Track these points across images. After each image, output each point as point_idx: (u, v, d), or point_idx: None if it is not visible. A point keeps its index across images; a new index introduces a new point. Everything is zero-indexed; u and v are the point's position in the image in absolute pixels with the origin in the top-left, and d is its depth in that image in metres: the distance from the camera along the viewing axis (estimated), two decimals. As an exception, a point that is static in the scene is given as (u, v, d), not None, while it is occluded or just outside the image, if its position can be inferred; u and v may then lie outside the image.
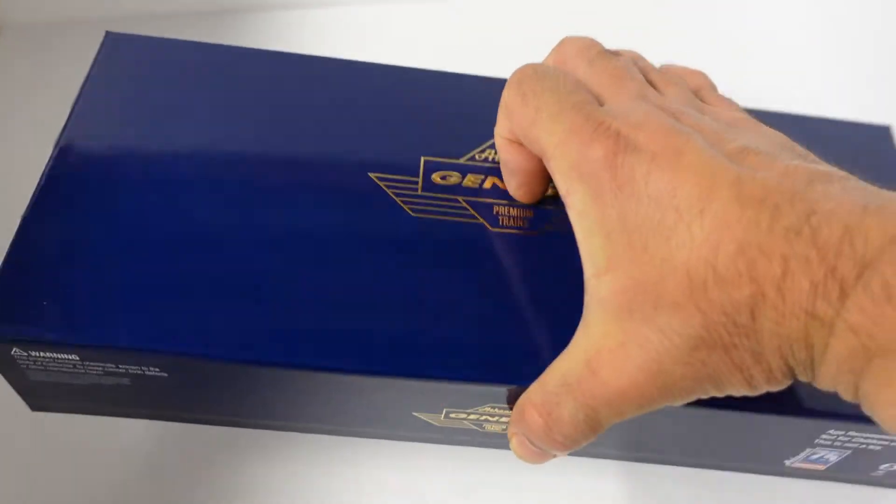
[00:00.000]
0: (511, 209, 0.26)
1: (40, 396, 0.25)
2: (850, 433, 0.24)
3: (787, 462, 0.27)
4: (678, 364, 0.19)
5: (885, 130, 0.31)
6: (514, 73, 0.23)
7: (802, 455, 0.26)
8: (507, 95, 0.23)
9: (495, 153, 0.27)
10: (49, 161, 0.25)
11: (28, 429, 0.28)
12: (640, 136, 0.19)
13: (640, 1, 0.46)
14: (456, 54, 0.35)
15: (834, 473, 0.27)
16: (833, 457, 0.26)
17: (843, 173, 0.19)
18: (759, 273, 0.17)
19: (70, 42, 0.42)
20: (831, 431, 0.24)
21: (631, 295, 0.19)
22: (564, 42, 0.25)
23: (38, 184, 0.24)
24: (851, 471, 0.27)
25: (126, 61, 0.28)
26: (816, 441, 0.25)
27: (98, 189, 0.24)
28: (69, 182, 0.24)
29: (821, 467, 0.27)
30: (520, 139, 0.23)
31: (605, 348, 0.20)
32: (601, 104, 0.22)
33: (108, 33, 0.28)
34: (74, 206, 0.24)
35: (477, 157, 0.27)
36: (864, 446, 0.25)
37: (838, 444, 0.25)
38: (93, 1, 0.43)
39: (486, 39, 0.29)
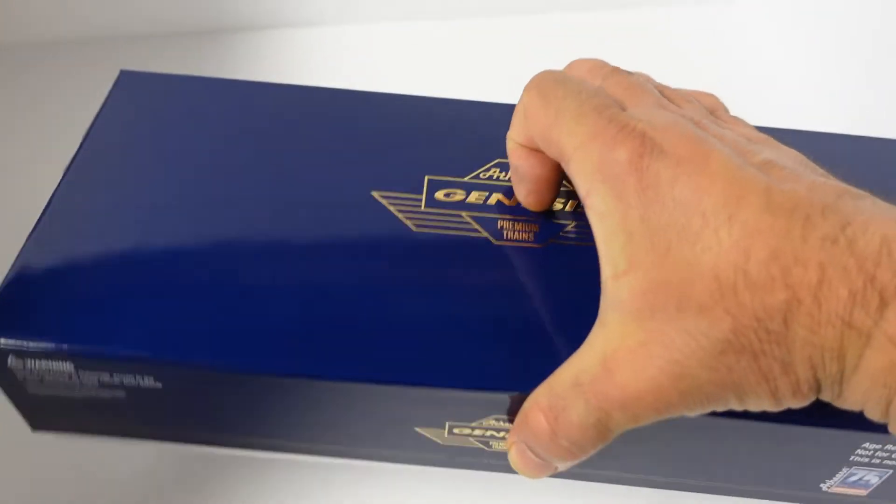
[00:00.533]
0: (516, 223, 0.26)
1: (39, 413, 0.24)
2: (888, 447, 0.22)
3: (825, 486, 0.25)
4: (703, 368, 0.18)
5: None
6: (533, 79, 0.23)
7: (840, 476, 0.24)
8: (525, 98, 0.23)
9: (500, 171, 0.27)
10: (60, 181, 0.25)
11: (29, 451, 0.28)
12: (666, 141, 0.19)
13: (633, 30, 0.47)
14: (457, 80, 0.36)
15: (878, 500, 0.25)
16: (874, 478, 0.24)
17: (868, 192, 0.19)
18: (794, 280, 0.17)
19: (64, 62, 0.44)
20: (867, 445, 0.22)
21: (652, 296, 0.18)
22: (574, 63, 0.25)
23: (48, 202, 0.25)
24: (897, 496, 0.25)
25: (137, 97, 0.29)
26: (852, 458, 0.23)
27: (103, 205, 0.25)
28: (77, 203, 0.25)
29: (862, 492, 0.25)
30: (536, 143, 0.23)
31: (624, 347, 0.19)
32: (623, 110, 0.21)
33: (122, 72, 0.30)
34: (80, 224, 0.24)
35: (482, 175, 0.27)
36: (906, 464, 0.23)
37: (877, 461, 0.23)
38: (85, 22, 0.45)
39: (489, 65, 0.30)
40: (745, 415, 0.20)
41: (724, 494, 0.26)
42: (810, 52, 0.46)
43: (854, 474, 0.24)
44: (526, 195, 0.25)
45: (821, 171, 0.21)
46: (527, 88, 0.23)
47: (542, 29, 0.47)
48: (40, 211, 0.25)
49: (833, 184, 0.19)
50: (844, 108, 0.42)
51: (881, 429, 0.21)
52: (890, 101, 0.41)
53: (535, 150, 0.24)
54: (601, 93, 0.22)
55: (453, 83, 0.32)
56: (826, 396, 0.18)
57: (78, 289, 0.22)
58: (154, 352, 0.21)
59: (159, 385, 0.22)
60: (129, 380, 0.22)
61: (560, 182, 0.25)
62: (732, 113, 0.25)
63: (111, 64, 0.31)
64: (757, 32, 0.49)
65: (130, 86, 0.29)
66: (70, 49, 0.45)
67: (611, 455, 0.23)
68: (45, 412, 0.24)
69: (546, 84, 0.22)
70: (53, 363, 0.22)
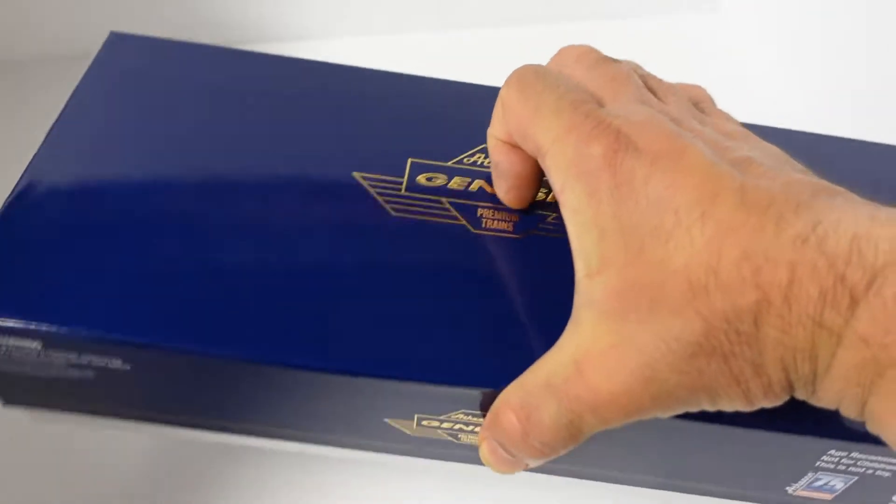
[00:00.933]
0: (496, 212, 0.25)
1: (10, 389, 0.24)
2: (854, 454, 0.22)
3: (790, 489, 0.25)
4: (674, 371, 0.18)
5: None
6: (513, 73, 0.23)
7: (805, 480, 0.24)
8: (504, 94, 0.22)
9: (485, 157, 0.27)
10: (36, 152, 0.25)
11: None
12: (641, 137, 0.19)
13: (618, 40, 0.47)
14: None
15: (843, 504, 0.25)
16: (839, 484, 0.24)
17: (844, 189, 0.19)
18: (764, 280, 0.17)
19: (51, 77, 0.43)
20: (832, 452, 0.22)
21: (625, 296, 0.18)
22: (562, 50, 0.25)
23: (22, 174, 0.24)
24: (862, 502, 0.25)
25: (124, 60, 0.28)
26: (818, 464, 0.23)
27: (78, 181, 0.24)
28: (51, 173, 0.24)
29: (827, 496, 0.25)
30: (515, 139, 0.23)
31: (596, 349, 0.19)
32: (601, 106, 0.21)
33: (112, 33, 0.29)
34: (52, 197, 0.24)
35: (465, 160, 0.27)
36: (871, 472, 0.23)
37: (842, 467, 0.23)
38: (73, 38, 0.44)
39: (479, 77, 0.30)
40: (715, 418, 0.20)
41: (692, 493, 0.26)
42: (794, 60, 0.46)
43: (819, 479, 0.24)
44: (506, 192, 0.25)
45: (799, 167, 0.21)
46: (506, 82, 0.23)
47: (531, 40, 0.46)
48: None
49: (809, 180, 0.19)
50: (828, 114, 0.42)
51: (848, 436, 0.22)
52: (874, 105, 0.41)
53: (516, 147, 0.23)
54: (580, 88, 0.21)
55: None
56: (800, 395, 0.18)
57: (48, 266, 0.22)
58: (122, 333, 0.21)
59: (127, 367, 0.22)
60: (97, 361, 0.22)
61: (540, 179, 0.25)
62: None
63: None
64: (741, 40, 0.48)
65: (118, 48, 0.29)
66: (60, 64, 0.44)
67: (580, 453, 0.23)
68: (15, 388, 0.24)
69: (525, 78, 0.22)
70: (21, 341, 0.22)
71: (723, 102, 0.25)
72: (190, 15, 0.46)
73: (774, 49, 0.47)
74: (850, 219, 0.17)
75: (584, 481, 0.26)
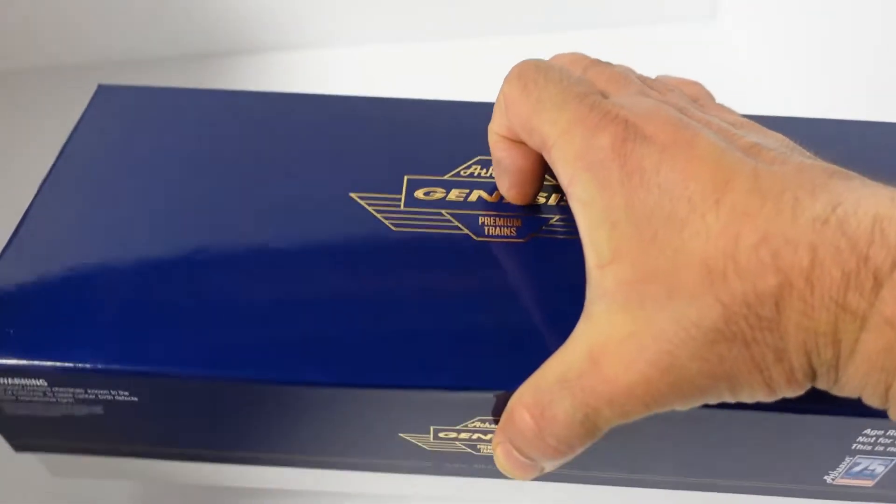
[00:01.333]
0: (498, 219, 0.25)
1: (19, 433, 0.24)
2: (891, 433, 0.21)
3: (829, 478, 0.24)
4: (694, 358, 0.17)
5: None
6: (514, 68, 0.23)
7: (843, 467, 0.23)
8: (506, 88, 0.22)
9: (481, 168, 0.27)
10: (35, 196, 0.25)
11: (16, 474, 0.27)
12: (649, 127, 0.19)
13: (617, 49, 0.47)
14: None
15: (887, 491, 0.24)
16: (879, 467, 0.23)
17: (857, 174, 0.18)
18: (785, 263, 0.16)
19: (52, 88, 0.44)
20: (868, 432, 0.21)
21: (640, 286, 0.18)
22: (555, 58, 0.25)
23: (21, 219, 0.24)
24: (905, 486, 0.24)
25: (115, 109, 0.29)
26: (854, 446, 0.22)
27: (77, 218, 0.24)
28: (50, 216, 0.25)
29: (868, 483, 0.24)
30: (518, 133, 0.22)
31: (612, 339, 0.18)
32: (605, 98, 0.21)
33: (100, 86, 0.30)
34: (51, 239, 0.24)
35: (462, 173, 0.27)
36: (911, 451, 0.22)
37: (880, 448, 0.22)
38: (70, 49, 0.45)
39: (476, 86, 0.30)
40: (742, 405, 0.19)
41: (727, 492, 0.25)
42: (792, 68, 0.46)
43: (858, 464, 0.23)
44: (508, 188, 0.25)
45: (808, 153, 0.20)
46: (507, 78, 0.23)
47: (530, 49, 0.47)
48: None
49: (822, 164, 0.18)
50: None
51: (882, 414, 0.21)
52: (875, 113, 0.41)
53: (518, 142, 0.23)
54: (583, 80, 0.21)
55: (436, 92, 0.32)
56: (822, 384, 0.18)
57: (50, 303, 0.22)
58: (126, 364, 0.21)
59: (135, 399, 0.22)
60: (104, 394, 0.22)
61: (543, 174, 0.24)
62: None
63: (91, 88, 0.31)
64: (739, 49, 0.49)
65: (107, 99, 0.29)
66: (48, 74, 0.45)
67: (600, 455, 0.22)
68: (25, 432, 0.24)
69: (527, 72, 0.22)
70: (26, 379, 0.21)
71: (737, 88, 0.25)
72: (192, 24, 0.46)
73: (772, 57, 0.47)
74: (871, 200, 0.17)
75: (609, 487, 0.25)
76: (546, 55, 0.25)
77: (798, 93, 0.45)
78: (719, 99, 0.25)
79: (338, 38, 0.49)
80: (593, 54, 0.25)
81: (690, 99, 0.23)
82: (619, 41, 0.49)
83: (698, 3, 0.50)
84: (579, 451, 0.19)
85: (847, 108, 0.41)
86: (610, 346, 0.18)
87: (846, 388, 0.17)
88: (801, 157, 0.19)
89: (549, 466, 0.20)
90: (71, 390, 0.22)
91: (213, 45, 0.47)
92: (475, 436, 0.23)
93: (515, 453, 0.20)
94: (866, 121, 0.29)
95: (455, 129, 0.28)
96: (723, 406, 0.19)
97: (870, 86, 0.42)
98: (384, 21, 0.48)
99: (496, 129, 0.24)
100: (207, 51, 0.47)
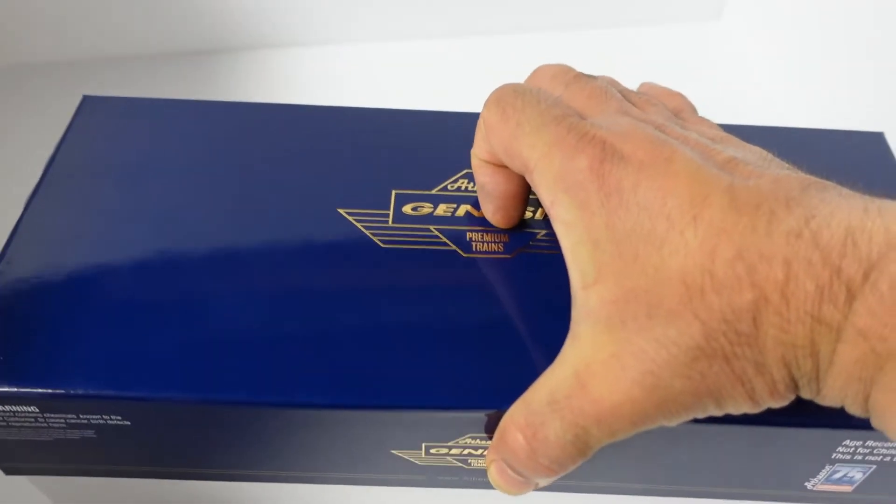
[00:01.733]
0: (485, 234, 0.25)
1: (11, 457, 0.24)
2: (869, 443, 0.22)
3: (809, 485, 0.24)
4: (677, 376, 0.18)
5: (878, 137, 0.30)
6: (493, 93, 0.23)
7: (823, 474, 0.24)
8: (485, 114, 0.23)
9: (468, 182, 0.27)
10: (21, 215, 0.25)
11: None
12: (627, 146, 0.19)
13: (620, 48, 0.47)
14: (435, 98, 0.35)
15: (864, 495, 0.25)
16: (858, 474, 0.24)
17: (833, 183, 0.19)
18: (760, 277, 0.17)
19: (29, 86, 0.43)
20: (847, 443, 0.22)
21: (623, 305, 0.18)
22: (538, 70, 0.25)
23: (8, 238, 0.24)
24: (883, 490, 0.24)
25: (101, 120, 0.28)
26: (834, 456, 0.23)
27: (65, 236, 0.24)
28: (35, 241, 0.24)
29: (847, 488, 0.24)
30: (499, 158, 0.23)
31: (597, 360, 0.18)
32: (583, 119, 0.21)
33: (85, 97, 0.29)
34: (38, 264, 0.24)
35: (449, 187, 0.27)
36: (889, 459, 0.23)
37: (859, 457, 0.23)
38: (58, 46, 0.44)
39: (472, 84, 0.30)
40: (724, 419, 0.20)
41: (711, 497, 0.26)
42: (797, 68, 0.46)
43: (838, 471, 0.23)
44: (493, 212, 0.25)
45: (785, 165, 0.21)
46: (486, 103, 0.23)
47: (533, 48, 0.47)
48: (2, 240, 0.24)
49: (798, 176, 0.19)
50: (832, 122, 0.42)
51: (861, 425, 0.21)
52: (878, 113, 0.41)
53: (500, 166, 0.23)
54: (560, 103, 0.22)
55: (430, 101, 0.32)
56: (805, 394, 0.18)
57: (39, 326, 0.22)
58: (117, 389, 0.21)
59: (128, 423, 0.22)
60: (96, 419, 0.22)
61: (527, 197, 0.25)
62: (706, 116, 0.25)
63: (90, 86, 0.30)
64: (744, 49, 0.48)
65: (93, 111, 0.29)
66: (37, 72, 0.44)
67: (592, 466, 0.23)
68: (16, 456, 0.24)
69: (505, 97, 0.22)
70: (17, 407, 0.21)
71: (725, 110, 0.25)
72: (192, 21, 0.46)
73: (777, 57, 0.47)
74: (844, 211, 0.17)
75: (596, 496, 0.26)
76: (550, 55, 0.25)
77: (803, 94, 0.44)
78: (723, 104, 0.25)
79: (337, 37, 0.48)
80: (598, 54, 0.24)
81: (672, 112, 0.24)
82: (624, 41, 0.48)
83: (704, 4, 0.50)
84: (571, 469, 0.20)
85: (851, 111, 0.41)
86: (594, 367, 0.18)
87: (828, 399, 0.18)
88: (778, 170, 0.19)
89: (543, 483, 0.21)
90: (63, 416, 0.22)
91: (208, 42, 0.47)
92: (466, 451, 0.23)
93: (509, 471, 0.21)
94: (846, 130, 0.30)
95: (443, 140, 0.28)
96: (707, 420, 0.20)
97: (875, 89, 0.42)
98: (383, 20, 0.48)
99: (478, 154, 0.24)
100: (202, 48, 0.47)
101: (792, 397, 0.18)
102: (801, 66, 0.46)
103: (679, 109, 0.25)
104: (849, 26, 0.44)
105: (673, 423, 0.19)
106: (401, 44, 0.48)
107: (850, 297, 0.16)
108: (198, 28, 0.46)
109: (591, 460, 0.20)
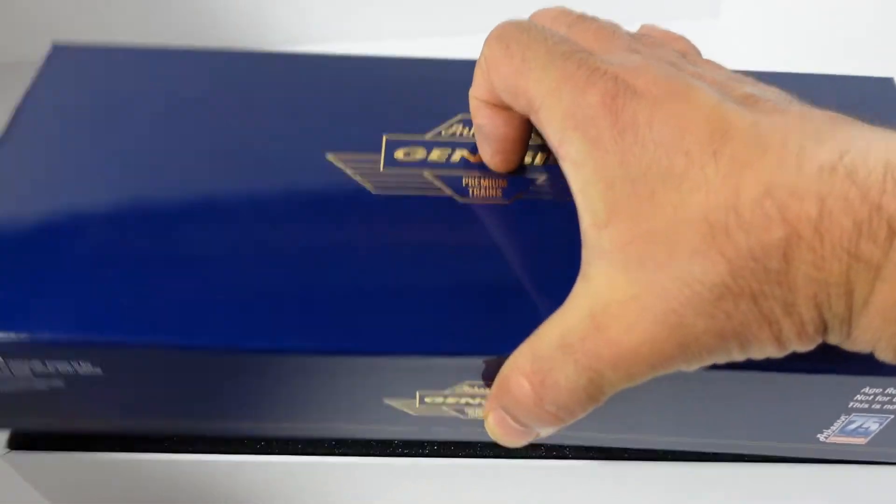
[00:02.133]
0: (482, 179, 0.24)
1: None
2: (889, 391, 0.21)
3: (822, 437, 0.23)
4: (701, 316, 0.17)
5: (888, 82, 0.29)
6: (494, 29, 0.21)
7: (838, 425, 0.23)
8: (487, 51, 0.21)
9: (464, 127, 0.25)
10: None
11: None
12: (640, 81, 0.18)
13: None
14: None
15: (878, 448, 0.24)
16: (874, 425, 0.23)
17: (858, 121, 0.18)
18: (791, 214, 0.16)
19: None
20: (867, 390, 0.21)
21: (640, 245, 0.17)
22: (536, 14, 0.24)
23: None
24: (897, 443, 0.23)
25: (72, 69, 0.27)
26: (851, 404, 0.22)
27: (31, 177, 0.23)
28: (3, 175, 0.23)
29: (861, 440, 0.23)
30: (502, 97, 0.21)
31: (615, 301, 0.17)
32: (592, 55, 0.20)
33: (54, 45, 0.28)
34: (3, 198, 0.22)
35: (444, 132, 0.25)
36: (907, 407, 0.22)
37: (877, 406, 0.22)
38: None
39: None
40: (741, 365, 0.18)
41: (719, 451, 0.25)
42: (795, 66, 0.46)
43: (853, 422, 0.22)
44: (492, 156, 0.24)
45: (805, 103, 0.20)
46: (488, 40, 0.21)
47: None
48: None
49: (823, 112, 0.18)
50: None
51: (882, 371, 0.20)
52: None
53: (501, 108, 0.22)
54: (568, 39, 0.20)
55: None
56: (833, 338, 0.17)
57: (1, 268, 0.20)
58: (86, 333, 0.19)
59: (99, 371, 0.20)
60: (64, 367, 0.20)
61: (528, 141, 0.23)
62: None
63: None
64: (742, 47, 0.48)
65: (63, 59, 0.27)
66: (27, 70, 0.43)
67: (594, 415, 0.21)
68: None
69: (508, 32, 0.21)
70: (-21, 356, 0.20)
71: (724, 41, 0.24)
72: (191, 19, 0.46)
73: (775, 55, 0.47)
74: (880, 146, 0.16)
75: (603, 464, 0.25)
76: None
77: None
78: (714, 37, 0.24)
79: (336, 36, 0.48)
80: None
81: (679, 54, 0.23)
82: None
83: (702, 1, 0.50)
84: (580, 417, 0.19)
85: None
86: (612, 309, 0.17)
87: (858, 342, 0.17)
88: (801, 107, 0.18)
89: (545, 433, 0.20)
90: (27, 364, 0.20)
91: (208, 42, 0.46)
92: (463, 400, 0.22)
93: (509, 420, 0.19)
94: (856, 76, 0.29)
95: (435, 86, 0.27)
96: (722, 367, 0.19)
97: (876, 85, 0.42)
98: (382, 19, 0.48)
99: (477, 94, 0.23)
100: (195, 46, 0.47)
101: (819, 340, 0.17)
102: (799, 63, 0.46)
103: (685, 51, 0.23)
104: (847, 25, 0.43)
105: (693, 367, 0.18)
106: (401, 44, 0.48)
107: (892, 233, 0.15)
108: (198, 28, 0.46)
109: (592, 411, 0.18)
